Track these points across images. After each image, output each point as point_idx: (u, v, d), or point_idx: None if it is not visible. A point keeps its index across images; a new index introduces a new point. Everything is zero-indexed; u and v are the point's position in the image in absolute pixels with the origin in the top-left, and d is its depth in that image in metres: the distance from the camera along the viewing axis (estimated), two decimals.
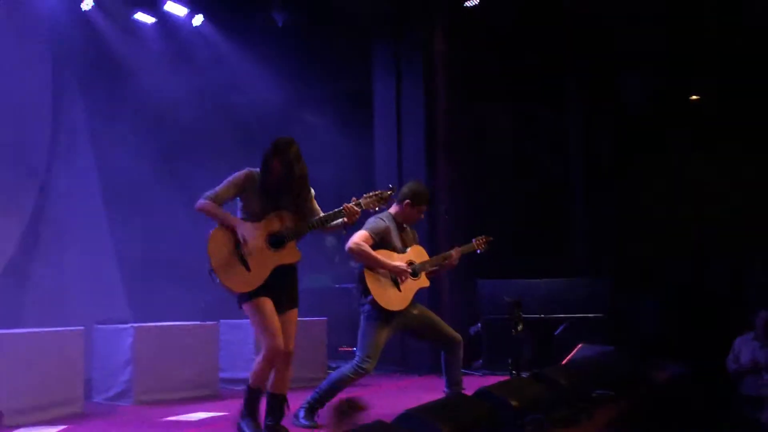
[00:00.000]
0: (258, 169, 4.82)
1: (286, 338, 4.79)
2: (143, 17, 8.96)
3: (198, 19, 9.40)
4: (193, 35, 9.47)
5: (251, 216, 4.78)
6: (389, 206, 5.71)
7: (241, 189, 4.79)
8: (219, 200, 4.74)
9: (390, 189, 5.07)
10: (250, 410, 4.83)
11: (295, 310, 4.90)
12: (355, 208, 4.82)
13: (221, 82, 9.59)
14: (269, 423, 4.85)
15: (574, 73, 11.68)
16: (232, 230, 4.72)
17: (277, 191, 4.75)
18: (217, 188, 4.78)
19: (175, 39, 9.28)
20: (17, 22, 7.58)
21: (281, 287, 4.79)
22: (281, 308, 4.80)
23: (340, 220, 4.85)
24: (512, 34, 10.64)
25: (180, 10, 9.18)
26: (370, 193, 4.95)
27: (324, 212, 4.89)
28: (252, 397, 4.84)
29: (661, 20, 10.31)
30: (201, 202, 4.75)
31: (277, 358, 4.74)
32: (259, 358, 4.79)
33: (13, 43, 7.53)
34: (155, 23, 9.09)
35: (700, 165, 10.87)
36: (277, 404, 4.89)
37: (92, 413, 6.25)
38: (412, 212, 5.74)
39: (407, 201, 5.71)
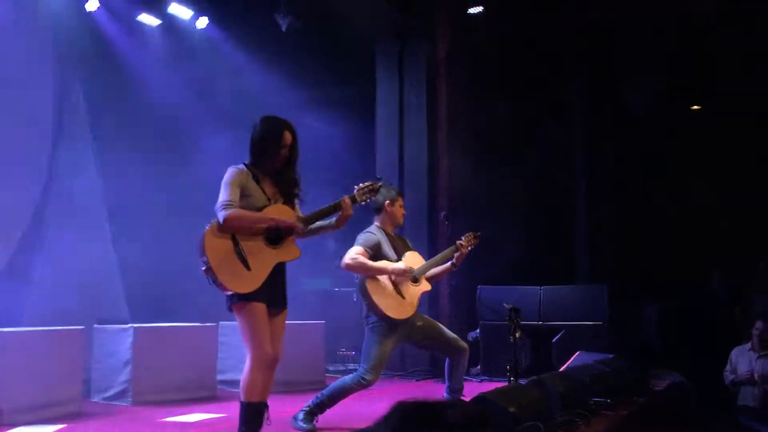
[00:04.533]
0: (242, 165, 4.49)
1: (276, 343, 4.45)
2: (148, 19, 8.99)
3: (203, 22, 9.43)
4: (197, 37, 9.50)
5: None
6: (378, 210, 5.69)
7: (240, 186, 4.39)
8: (237, 205, 4.34)
9: (378, 179, 4.82)
10: (252, 427, 4.40)
11: (286, 311, 4.57)
12: (350, 202, 4.59)
13: (225, 85, 9.61)
14: None
15: (578, 82, 11.71)
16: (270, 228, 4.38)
17: (279, 178, 4.49)
18: (227, 196, 4.34)
19: (179, 41, 9.31)
20: (22, 22, 7.60)
21: (275, 286, 4.45)
22: (274, 309, 4.45)
23: (329, 220, 4.61)
24: (515, 40, 10.68)
25: (185, 13, 9.22)
26: (361, 185, 4.70)
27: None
28: (252, 411, 4.38)
29: (665, 29, 10.35)
30: (225, 213, 4.27)
31: (267, 367, 4.38)
32: (248, 371, 4.36)
33: (18, 44, 7.54)
34: (160, 25, 9.13)
35: (702, 174, 10.89)
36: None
37: (91, 413, 6.26)
38: (394, 210, 5.69)
39: (387, 202, 5.66)
